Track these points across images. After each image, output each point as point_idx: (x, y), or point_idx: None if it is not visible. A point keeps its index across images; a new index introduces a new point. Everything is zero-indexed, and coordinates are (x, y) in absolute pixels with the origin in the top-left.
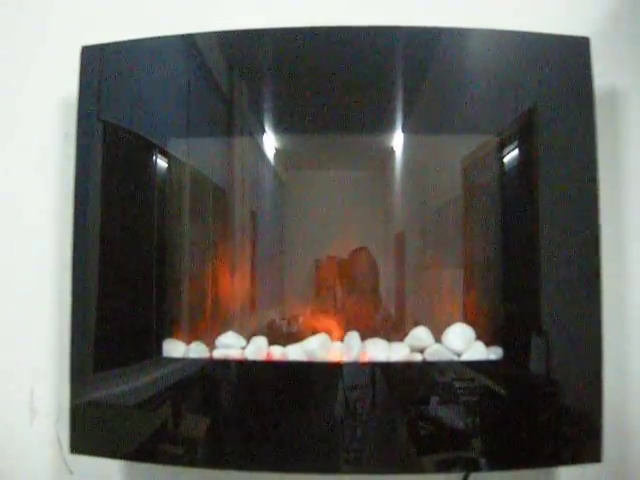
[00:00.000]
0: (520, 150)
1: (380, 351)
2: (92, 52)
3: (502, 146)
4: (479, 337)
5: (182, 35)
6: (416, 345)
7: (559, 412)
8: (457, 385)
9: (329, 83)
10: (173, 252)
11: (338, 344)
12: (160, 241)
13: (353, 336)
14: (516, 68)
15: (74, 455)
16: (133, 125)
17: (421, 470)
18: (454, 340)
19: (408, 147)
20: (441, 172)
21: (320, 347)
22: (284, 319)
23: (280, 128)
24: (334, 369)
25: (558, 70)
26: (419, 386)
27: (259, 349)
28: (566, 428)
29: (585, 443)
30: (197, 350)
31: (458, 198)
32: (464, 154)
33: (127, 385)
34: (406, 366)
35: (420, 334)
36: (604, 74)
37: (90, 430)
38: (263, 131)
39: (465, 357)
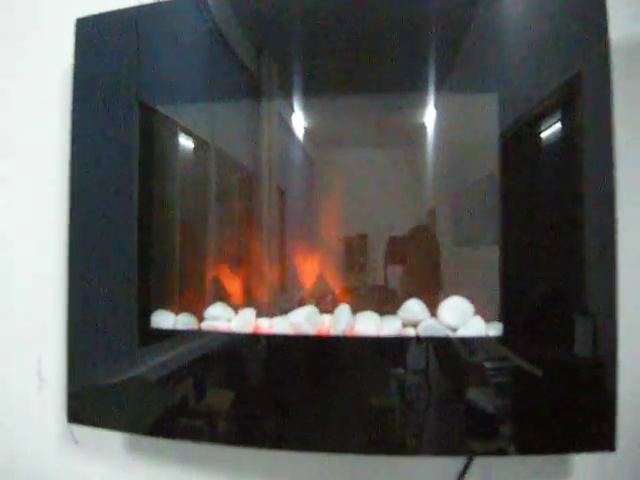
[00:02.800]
0: (562, 122)
1: (370, 324)
2: (87, 22)
3: (542, 118)
4: (514, 317)
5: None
6: (409, 319)
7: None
8: (488, 366)
9: (361, 48)
10: (199, 231)
11: (327, 317)
12: (185, 221)
13: (343, 309)
14: (560, 31)
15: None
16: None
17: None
18: (448, 314)
19: (440, 121)
20: (475, 146)
21: (306, 320)
22: (314, 297)
23: (309, 103)
24: (385, 345)
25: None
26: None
27: (246, 321)
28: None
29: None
30: (184, 322)
31: (493, 173)
32: (501, 126)
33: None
34: (445, 342)
35: (413, 307)
36: None
37: (91, 402)
38: (292, 110)
39: (461, 333)
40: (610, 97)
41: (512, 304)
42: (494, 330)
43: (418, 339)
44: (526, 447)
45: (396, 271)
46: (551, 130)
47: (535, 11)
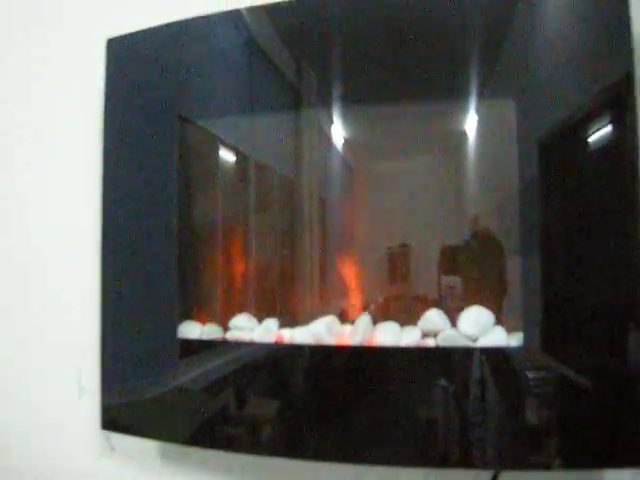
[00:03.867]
0: (611, 126)
1: (389, 335)
2: (118, 42)
3: (587, 121)
4: (559, 329)
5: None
6: (429, 329)
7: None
8: (530, 376)
9: (400, 56)
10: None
11: (348, 327)
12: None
13: (362, 319)
14: (607, 29)
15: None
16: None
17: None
18: (468, 324)
19: (481, 127)
20: (515, 153)
21: (327, 329)
22: (356, 308)
23: (349, 113)
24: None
25: None
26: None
27: (268, 331)
28: None
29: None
30: (210, 332)
31: (534, 180)
32: (541, 132)
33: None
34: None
35: (433, 317)
36: None
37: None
38: (331, 120)
39: (481, 343)
40: None
41: (555, 314)
42: (515, 340)
43: (468, 351)
44: (567, 461)
45: (450, 281)
46: (598, 134)
47: (576, 13)
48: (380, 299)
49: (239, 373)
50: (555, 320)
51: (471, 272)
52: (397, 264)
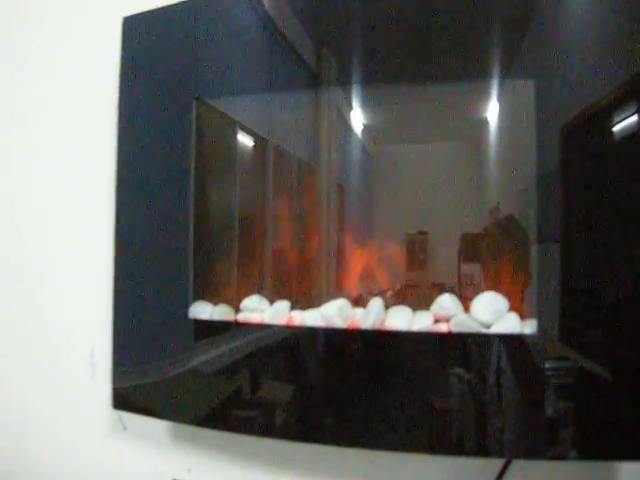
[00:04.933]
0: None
1: (400, 320)
2: (134, 20)
3: (611, 110)
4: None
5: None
6: (441, 314)
7: None
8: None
9: (420, 38)
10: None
11: (359, 310)
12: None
13: (375, 303)
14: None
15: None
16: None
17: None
18: (481, 310)
19: (502, 115)
20: (537, 141)
21: (338, 313)
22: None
23: (368, 96)
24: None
25: None
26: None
27: (278, 313)
28: None
29: None
30: (221, 312)
31: (557, 169)
32: (564, 119)
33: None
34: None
35: (445, 303)
36: None
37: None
38: (350, 105)
39: (495, 329)
40: None
41: (571, 303)
42: (529, 327)
43: (486, 337)
44: (582, 452)
45: (469, 269)
46: (622, 124)
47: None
48: (397, 286)
49: (249, 355)
50: (571, 309)
51: (491, 260)
52: (415, 251)
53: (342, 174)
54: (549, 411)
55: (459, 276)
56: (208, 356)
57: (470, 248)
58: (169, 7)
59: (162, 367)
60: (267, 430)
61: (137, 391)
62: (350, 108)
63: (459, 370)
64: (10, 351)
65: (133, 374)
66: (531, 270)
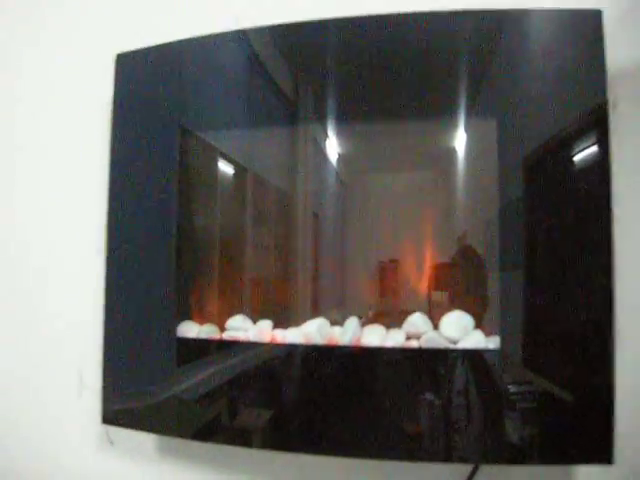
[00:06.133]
0: (595, 146)
1: (374, 336)
2: (127, 57)
3: (570, 142)
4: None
5: (237, 31)
6: (412, 332)
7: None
8: (512, 389)
9: (393, 76)
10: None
11: (337, 328)
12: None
13: (351, 321)
14: (586, 53)
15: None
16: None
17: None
18: (449, 328)
19: (468, 147)
20: (500, 173)
21: (317, 330)
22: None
23: (343, 129)
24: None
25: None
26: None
27: (262, 331)
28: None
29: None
30: (207, 331)
31: (519, 199)
32: (526, 152)
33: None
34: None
35: (416, 321)
36: None
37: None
38: (326, 136)
39: (461, 345)
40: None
41: (529, 323)
42: (493, 343)
43: (449, 352)
44: (535, 457)
45: (438, 297)
46: (581, 155)
47: (557, 42)
48: (370, 313)
49: (235, 372)
50: (528, 327)
51: (457, 287)
52: (386, 278)
53: (317, 202)
54: (510, 419)
55: (430, 303)
56: (192, 372)
57: (440, 276)
58: (160, 46)
59: (148, 383)
60: (249, 442)
61: (125, 407)
62: (326, 137)
63: (429, 383)
64: None
65: (121, 391)
66: (489, 294)
